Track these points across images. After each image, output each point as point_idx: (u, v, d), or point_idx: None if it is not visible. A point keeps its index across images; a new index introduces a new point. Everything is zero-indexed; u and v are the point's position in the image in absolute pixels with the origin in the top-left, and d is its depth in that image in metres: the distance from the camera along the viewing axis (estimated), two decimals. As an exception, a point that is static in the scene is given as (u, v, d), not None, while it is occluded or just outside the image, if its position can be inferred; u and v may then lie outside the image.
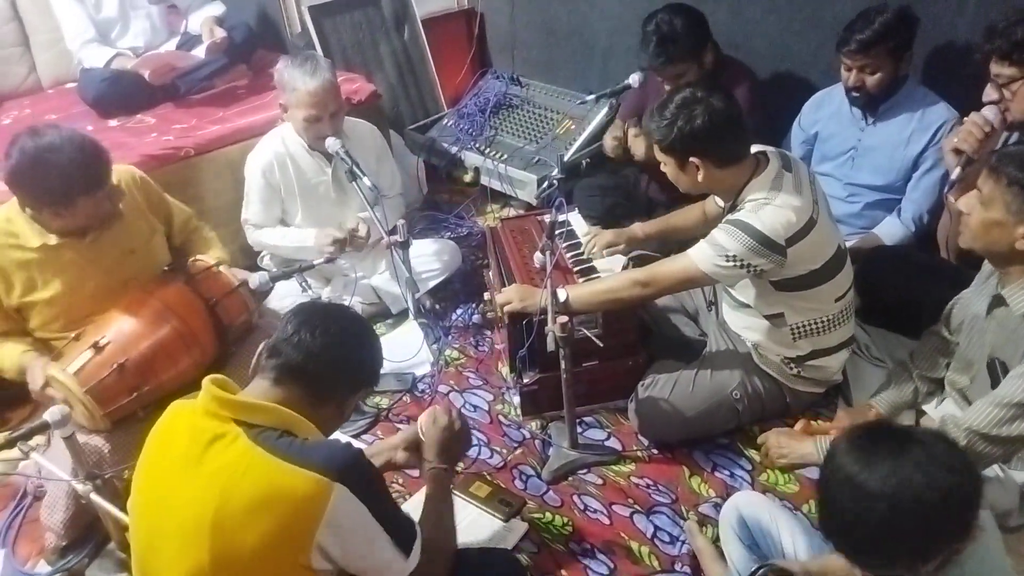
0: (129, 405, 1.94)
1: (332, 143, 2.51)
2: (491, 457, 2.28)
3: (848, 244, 2.18)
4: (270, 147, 2.67)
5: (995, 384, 1.68)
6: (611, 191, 3.03)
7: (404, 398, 2.53)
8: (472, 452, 2.27)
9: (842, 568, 1.39)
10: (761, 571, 1.44)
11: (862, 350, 2.27)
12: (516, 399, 2.42)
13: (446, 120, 3.81)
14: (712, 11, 2.72)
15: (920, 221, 2.45)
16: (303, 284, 2.36)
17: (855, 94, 2.42)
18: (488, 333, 2.79)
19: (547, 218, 2.19)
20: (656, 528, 2.01)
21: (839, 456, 1.13)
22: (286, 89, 2.51)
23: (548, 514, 2.07)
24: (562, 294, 2.06)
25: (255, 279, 2.22)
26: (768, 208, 1.89)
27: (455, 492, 2.05)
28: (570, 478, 2.18)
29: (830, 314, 2.06)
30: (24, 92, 3.53)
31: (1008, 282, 1.66)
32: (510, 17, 3.89)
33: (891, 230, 2.48)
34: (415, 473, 2.20)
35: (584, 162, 3.33)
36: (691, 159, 1.91)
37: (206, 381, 1.34)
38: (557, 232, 2.33)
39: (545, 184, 3.26)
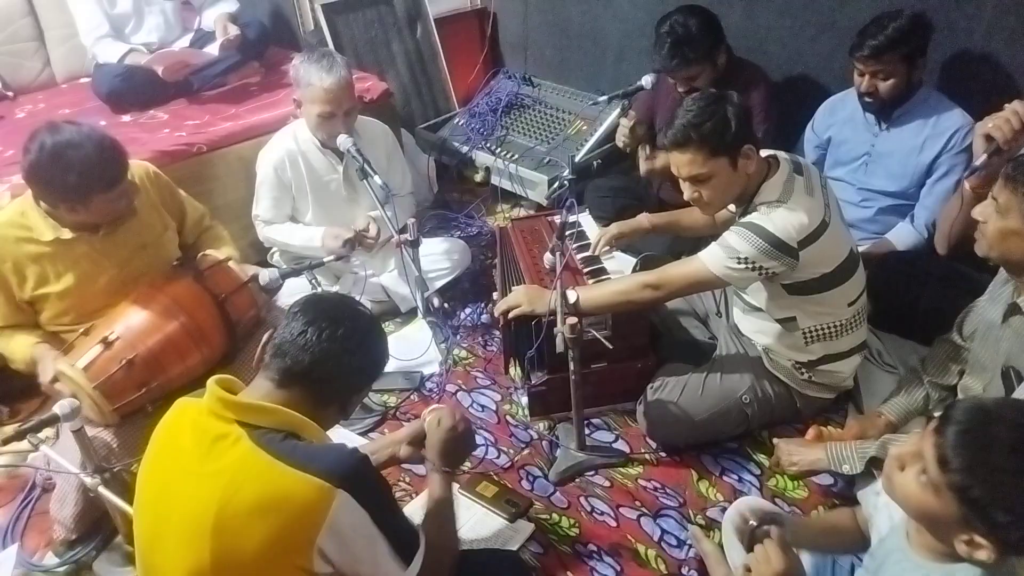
0: (137, 400, 1.95)
1: (344, 141, 2.51)
2: (498, 457, 2.27)
3: (860, 249, 2.17)
4: (282, 144, 2.68)
5: (1009, 392, 1.66)
6: (622, 192, 3.02)
7: (412, 396, 2.53)
8: (479, 452, 2.27)
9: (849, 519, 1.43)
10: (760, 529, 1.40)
11: (874, 356, 2.26)
12: (524, 399, 2.42)
13: (457, 119, 3.81)
14: (725, 14, 2.71)
15: (933, 227, 2.43)
16: (313, 281, 2.36)
17: (868, 100, 2.41)
18: (496, 333, 2.78)
19: (557, 219, 2.19)
20: (663, 531, 2.01)
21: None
22: (301, 84, 2.51)
23: (555, 515, 2.07)
24: (572, 295, 2.05)
25: (265, 276, 2.22)
26: (780, 211, 1.88)
27: (462, 492, 2.06)
28: (577, 480, 2.18)
29: (842, 319, 2.05)
30: (38, 86, 3.55)
31: (1025, 290, 1.65)
32: (523, 17, 3.89)
33: (904, 236, 2.47)
34: (421, 471, 2.20)
35: (595, 163, 3.33)
36: (745, 147, 1.88)
37: (211, 381, 1.33)
38: (567, 233, 2.33)
39: (556, 185, 3.27)
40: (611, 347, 2.09)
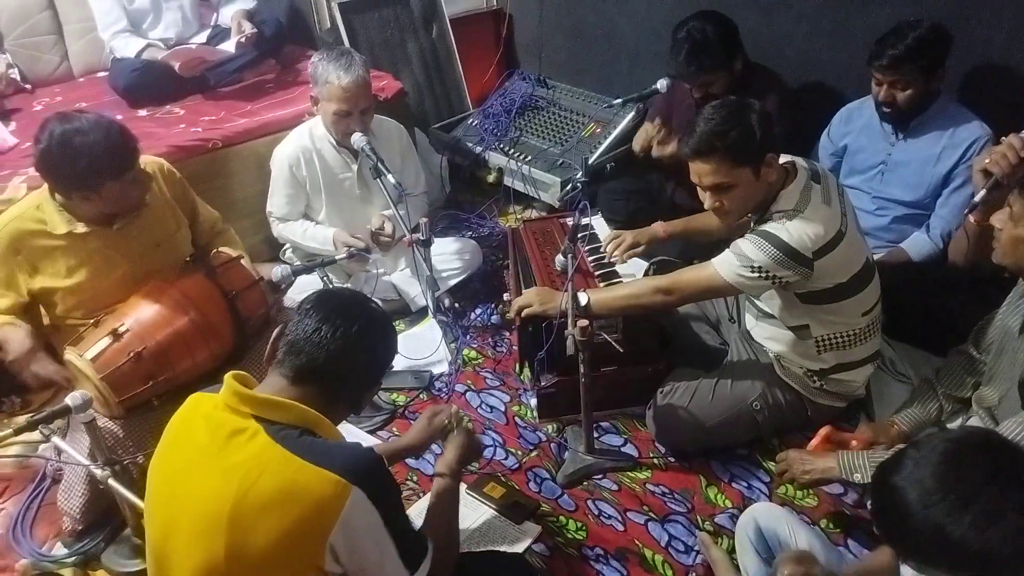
0: (144, 393, 1.95)
1: (358, 139, 2.51)
2: (506, 458, 2.27)
3: (875, 258, 2.15)
4: (297, 141, 2.69)
5: (1025, 404, 1.64)
6: (635, 195, 3.02)
7: (421, 396, 2.53)
8: (487, 453, 2.27)
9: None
10: None
11: (887, 365, 2.24)
12: (533, 401, 2.41)
13: (471, 120, 3.81)
14: (742, 19, 2.70)
15: (948, 238, 2.41)
16: (325, 279, 2.37)
17: (886, 109, 2.39)
18: (506, 334, 2.78)
19: (570, 221, 2.19)
20: (671, 537, 2.00)
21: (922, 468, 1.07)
22: (319, 82, 2.51)
23: (562, 518, 2.06)
24: (583, 298, 2.04)
25: (277, 272, 2.23)
26: (796, 220, 1.87)
27: (469, 492, 2.06)
28: (585, 483, 2.17)
29: (856, 328, 2.03)
30: (56, 80, 3.57)
31: (1042, 301, 1.63)
32: (538, 19, 3.89)
33: (919, 246, 2.45)
34: (428, 471, 2.20)
35: (609, 166, 3.33)
36: (768, 155, 1.87)
37: (228, 376, 1.33)
38: (580, 235, 2.32)
39: (569, 187, 3.27)
40: (621, 350, 2.09)
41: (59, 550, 2.06)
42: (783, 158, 1.97)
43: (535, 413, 2.40)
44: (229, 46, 3.36)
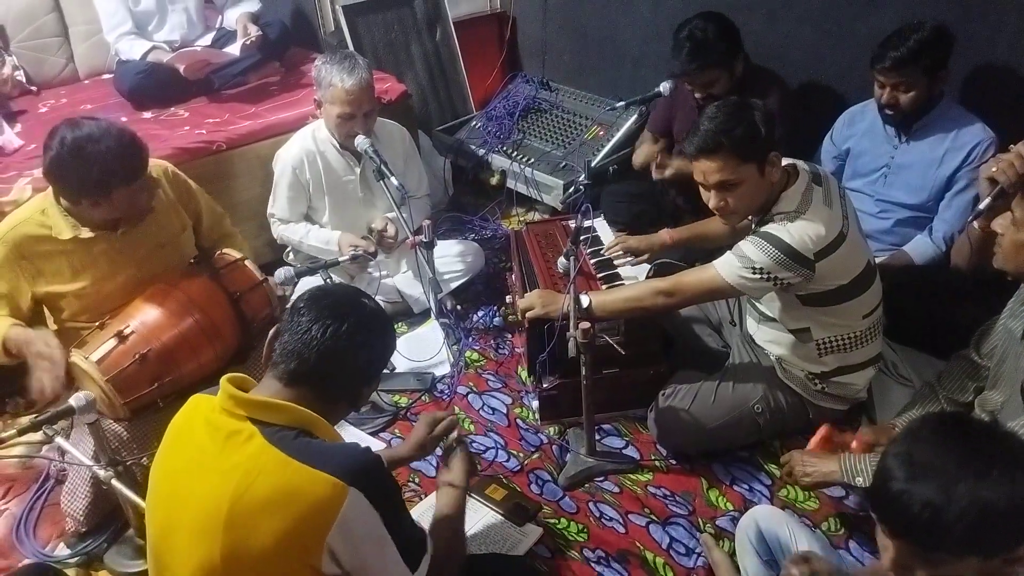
0: (149, 395, 1.96)
1: (361, 141, 2.52)
2: (508, 460, 2.27)
3: (877, 260, 2.15)
4: (300, 144, 2.70)
5: (1028, 407, 1.64)
6: (638, 198, 3.02)
7: (423, 398, 2.53)
8: (489, 455, 2.28)
9: None
10: None
11: (889, 368, 2.24)
12: (535, 403, 2.42)
13: (474, 122, 3.82)
14: (746, 20, 2.71)
15: (951, 241, 2.41)
16: (328, 280, 2.37)
17: (888, 112, 2.39)
18: (508, 336, 2.79)
19: (572, 223, 2.19)
20: (672, 539, 2.00)
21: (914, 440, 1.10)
22: (322, 85, 2.52)
23: (563, 520, 2.06)
24: (585, 300, 2.05)
25: (280, 274, 2.24)
26: (798, 221, 1.87)
27: (471, 494, 2.06)
28: (587, 485, 2.17)
29: (858, 331, 2.03)
30: (61, 82, 3.59)
31: (1043, 305, 1.63)
32: (542, 22, 3.89)
33: (921, 249, 2.45)
34: (431, 473, 2.21)
35: (611, 168, 3.33)
36: (772, 153, 1.87)
37: (223, 379, 1.34)
38: (582, 238, 2.33)
39: (571, 189, 3.27)
40: (623, 353, 2.09)
41: (62, 551, 2.07)
42: (784, 161, 1.97)
43: (537, 415, 2.40)
44: (234, 49, 3.38)
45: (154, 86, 3.22)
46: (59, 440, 1.77)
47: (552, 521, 2.06)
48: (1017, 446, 1.07)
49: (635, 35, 3.51)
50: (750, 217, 2.04)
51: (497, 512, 2.05)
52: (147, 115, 3.17)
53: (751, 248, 1.89)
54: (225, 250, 2.27)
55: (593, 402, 2.11)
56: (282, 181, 2.72)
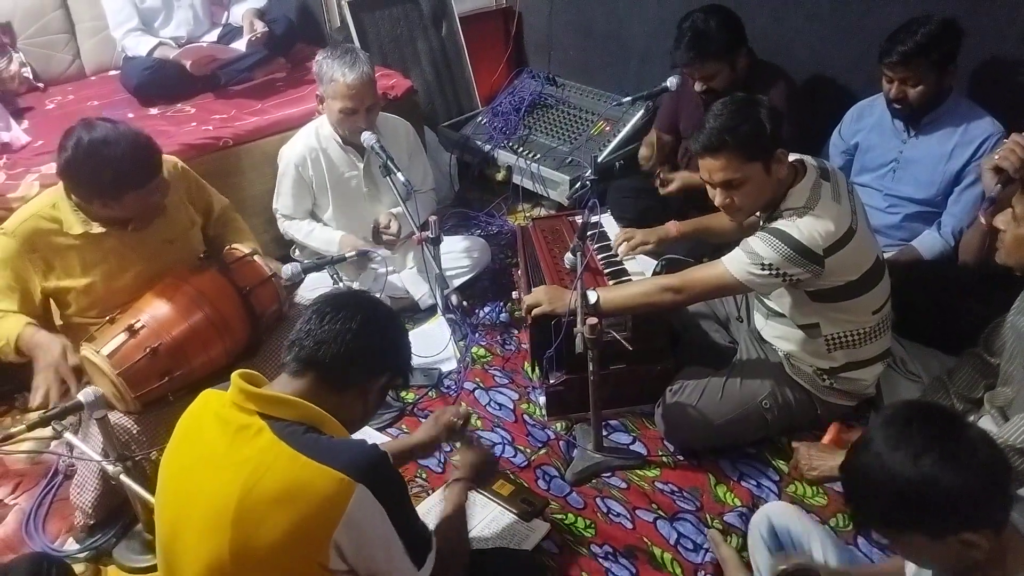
0: (160, 389, 1.97)
1: (368, 137, 2.52)
2: (515, 456, 2.27)
3: (886, 256, 2.15)
4: (304, 140, 2.70)
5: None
6: (644, 194, 3.01)
7: (430, 393, 2.53)
8: (496, 451, 2.28)
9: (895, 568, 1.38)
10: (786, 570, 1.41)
11: (897, 364, 2.23)
12: (542, 399, 2.42)
13: (480, 118, 3.81)
14: (753, 16, 2.70)
15: (959, 236, 2.40)
16: (335, 276, 2.37)
17: (897, 106, 2.38)
18: (515, 332, 2.79)
19: (579, 219, 2.18)
20: (680, 535, 2.00)
21: (874, 431, 1.14)
22: (324, 80, 2.52)
23: (571, 516, 2.07)
24: (592, 296, 2.04)
25: (287, 270, 2.24)
26: (807, 217, 1.86)
27: (478, 490, 2.06)
28: (594, 481, 2.17)
29: (867, 326, 2.03)
30: (68, 78, 3.59)
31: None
32: (548, 17, 3.88)
33: (930, 244, 2.44)
34: (438, 469, 2.21)
35: (618, 164, 3.32)
36: (778, 151, 1.86)
37: (234, 374, 1.34)
38: (589, 233, 2.32)
39: (578, 185, 3.26)
40: (631, 348, 2.09)
41: (71, 545, 2.08)
42: (791, 156, 1.97)
43: (544, 411, 2.40)
44: (240, 45, 3.38)
45: (160, 82, 3.23)
46: (68, 435, 1.77)
47: (559, 517, 2.06)
48: (966, 438, 1.10)
49: (641, 30, 3.50)
50: (758, 213, 2.03)
51: (504, 508, 2.05)
52: (153, 111, 3.18)
53: (760, 244, 1.89)
54: (235, 245, 2.28)
55: (600, 398, 2.11)
56: (286, 178, 2.73)
